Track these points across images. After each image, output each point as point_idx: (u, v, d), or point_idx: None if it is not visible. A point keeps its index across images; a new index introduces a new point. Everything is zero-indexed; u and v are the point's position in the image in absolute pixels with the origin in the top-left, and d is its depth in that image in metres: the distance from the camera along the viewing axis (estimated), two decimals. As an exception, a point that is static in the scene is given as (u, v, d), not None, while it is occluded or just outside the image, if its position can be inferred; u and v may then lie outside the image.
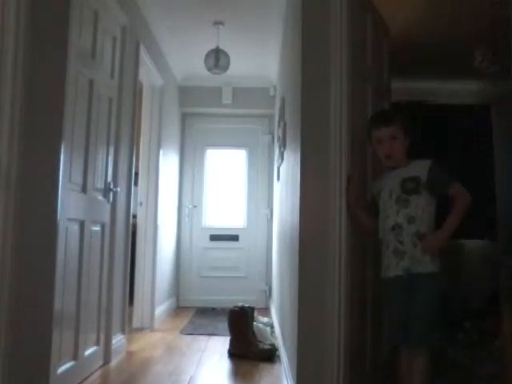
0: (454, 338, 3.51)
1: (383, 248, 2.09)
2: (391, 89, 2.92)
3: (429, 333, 1.94)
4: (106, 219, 2.98)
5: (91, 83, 2.68)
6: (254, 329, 3.44)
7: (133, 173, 3.51)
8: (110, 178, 3.00)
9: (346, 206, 2.12)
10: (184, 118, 5.71)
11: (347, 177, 2.13)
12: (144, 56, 3.76)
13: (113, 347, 3.04)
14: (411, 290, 1.97)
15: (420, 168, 2.03)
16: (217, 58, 4.05)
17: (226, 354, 3.33)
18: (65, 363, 2.39)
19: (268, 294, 5.46)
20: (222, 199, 5.68)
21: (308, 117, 2.23)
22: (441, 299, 1.97)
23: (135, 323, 4.12)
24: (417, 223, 1.98)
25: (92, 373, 2.74)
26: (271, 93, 5.41)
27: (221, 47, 4.08)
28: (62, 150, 2.27)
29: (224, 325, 3.75)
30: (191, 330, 4.12)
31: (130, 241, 3.49)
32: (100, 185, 2.87)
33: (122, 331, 3.30)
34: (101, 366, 2.89)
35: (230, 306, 3.57)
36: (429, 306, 1.94)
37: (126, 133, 3.31)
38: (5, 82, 1.82)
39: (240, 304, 3.49)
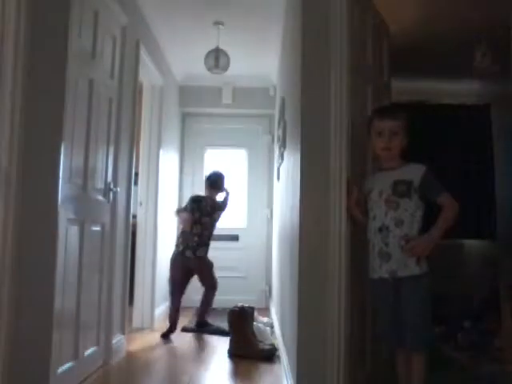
0: (453, 338, 3.51)
1: (370, 248, 2.09)
2: (391, 89, 2.92)
3: (421, 334, 1.95)
4: (106, 219, 2.98)
5: (91, 83, 2.68)
6: (254, 329, 3.44)
7: (133, 173, 3.51)
8: (110, 178, 3.00)
9: (345, 207, 2.12)
10: (184, 117, 5.70)
11: (347, 182, 2.13)
12: (144, 56, 3.76)
13: (113, 347, 3.04)
14: (398, 293, 1.98)
15: (414, 172, 2.03)
16: (217, 58, 4.05)
17: (226, 354, 3.33)
18: (65, 363, 2.39)
19: (268, 294, 5.45)
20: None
21: (308, 117, 2.23)
22: (428, 300, 1.98)
23: (135, 323, 4.12)
24: (405, 227, 1.98)
25: (92, 373, 2.74)
26: (271, 93, 5.40)
27: (221, 47, 4.08)
28: (62, 150, 2.27)
29: (224, 325, 3.76)
30: (191, 330, 4.12)
31: (130, 241, 3.48)
32: (100, 185, 2.87)
33: (122, 331, 3.30)
34: (101, 366, 2.88)
35: (230, 305, 3.57)
36: (417, 310, 1.95)
37: (125, 133, 3.31)
38: (5, 82, 1.82)
39: (240, 304, 3.49)
